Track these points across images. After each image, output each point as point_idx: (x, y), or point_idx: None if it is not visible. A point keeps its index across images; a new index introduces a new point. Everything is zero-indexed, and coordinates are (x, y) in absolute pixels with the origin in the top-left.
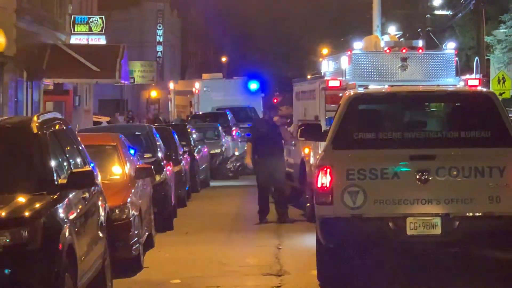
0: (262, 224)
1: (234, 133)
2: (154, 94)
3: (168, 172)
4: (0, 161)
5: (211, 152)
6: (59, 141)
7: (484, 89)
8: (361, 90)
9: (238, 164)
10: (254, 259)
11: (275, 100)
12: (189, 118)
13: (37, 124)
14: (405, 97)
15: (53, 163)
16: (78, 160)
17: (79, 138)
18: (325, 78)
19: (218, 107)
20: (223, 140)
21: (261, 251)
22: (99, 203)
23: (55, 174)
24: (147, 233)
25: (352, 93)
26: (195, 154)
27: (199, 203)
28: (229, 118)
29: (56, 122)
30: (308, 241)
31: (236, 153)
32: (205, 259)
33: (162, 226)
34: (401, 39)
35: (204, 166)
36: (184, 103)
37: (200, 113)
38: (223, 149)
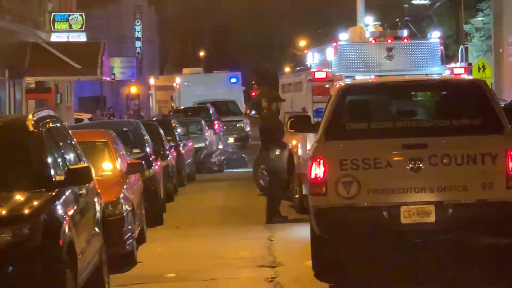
0: (253, 218)
1: (216, 126)
2: (134, 90)
3: (156, 167)
4: None
5: (195, 146)
6: (54, 138)
7: (474, 77)
8: (351, 81)
9: (222, 158)
10: (247, 251)
11: (253, 93)
12: (171, 113)
13: (32, 122)
14: (396, 87)
15: (50, 160)
16: (73, 156)
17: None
18: (311, 70)
19: (199, 101)
20: (207, 134)
21: (253, 243)
22: (95, 199)
23: (52, 171)
24: (139, 228)
25: (343, 84)
26: (181, 149)
27: (186, 197)
28: (210, 112)
29: (50, 119)
30: (299, 232)
31: (220, 147)
32: (197, 252)
33: (152, 220)
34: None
35: (189, 160)
36: (165, 98)
37: (182, 107)
38: (207, 143)
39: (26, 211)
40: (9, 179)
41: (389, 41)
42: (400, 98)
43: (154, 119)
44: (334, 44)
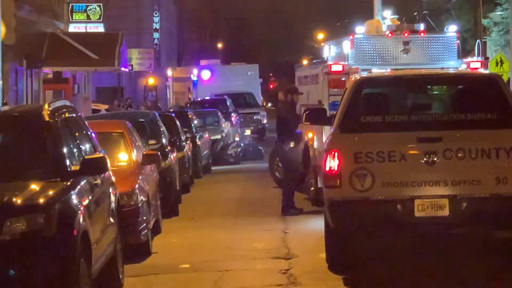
0: (268, 210)
1: (233, 119)
2: (151, 81)
3: (172, 158)
4: (13, 149)
5: (212, 138)
6: (70, 128)
7: (489, 72)
8: (367, 74)
9: (239, 150)
10: (261, 243)
11: (271, 86)
12: (188, 105)
13: (48, 112)
14: (411, 80)
15: (65, 150)
16: (89, 146)
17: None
18: (328, 63)
19: (217, 93)
20: (223, 126)
21: (267, 235)
22: (110, 189)
23: (67, 161)
24: (154, 219)
25: (358, 77)
26: (197, 140)
27: (202, 189)
28: (227, 104)
29: (66, 109)
30: (313, 225)
31: (237, 139)
32: (212, 243)
33: (167, 212)
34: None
35: (205, 152)
36: (182, 90)
37: (199, 99)
38: (224, 135)
39: (41, 201)
40: (25, 169)
41: (406, 34)
42: (416, 92)
43: (171, 110)
44: (351, 37)
